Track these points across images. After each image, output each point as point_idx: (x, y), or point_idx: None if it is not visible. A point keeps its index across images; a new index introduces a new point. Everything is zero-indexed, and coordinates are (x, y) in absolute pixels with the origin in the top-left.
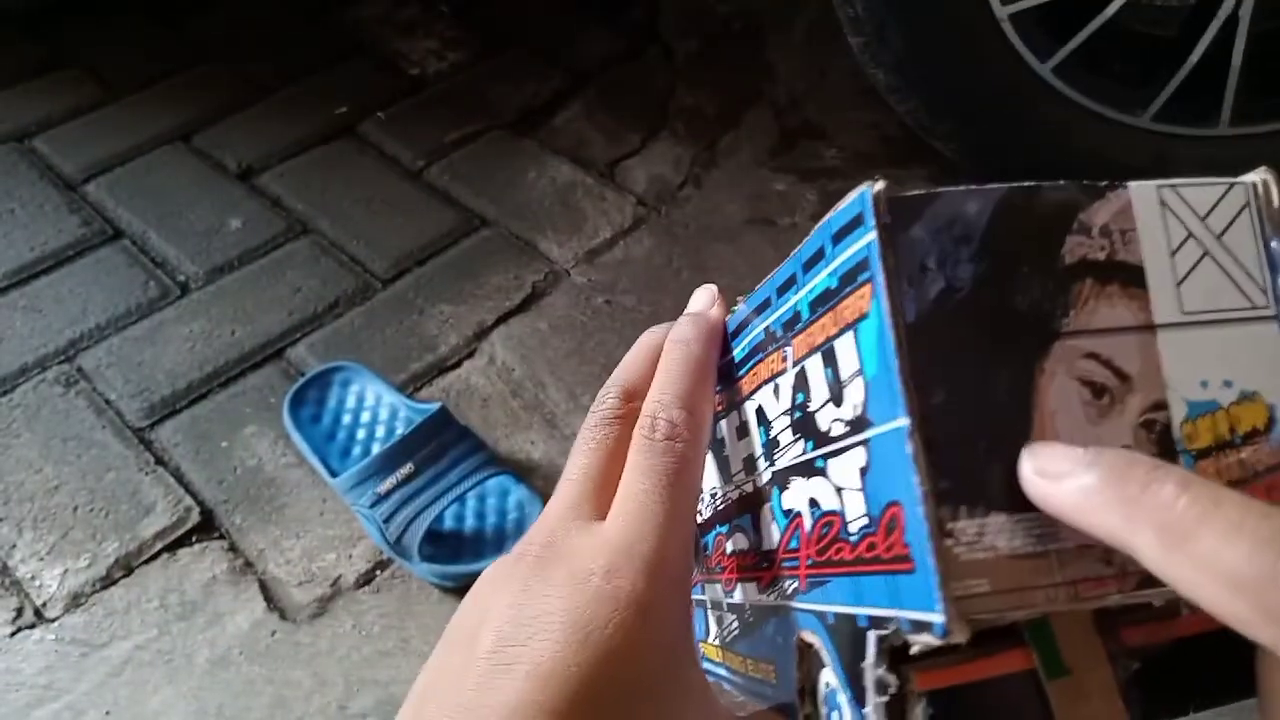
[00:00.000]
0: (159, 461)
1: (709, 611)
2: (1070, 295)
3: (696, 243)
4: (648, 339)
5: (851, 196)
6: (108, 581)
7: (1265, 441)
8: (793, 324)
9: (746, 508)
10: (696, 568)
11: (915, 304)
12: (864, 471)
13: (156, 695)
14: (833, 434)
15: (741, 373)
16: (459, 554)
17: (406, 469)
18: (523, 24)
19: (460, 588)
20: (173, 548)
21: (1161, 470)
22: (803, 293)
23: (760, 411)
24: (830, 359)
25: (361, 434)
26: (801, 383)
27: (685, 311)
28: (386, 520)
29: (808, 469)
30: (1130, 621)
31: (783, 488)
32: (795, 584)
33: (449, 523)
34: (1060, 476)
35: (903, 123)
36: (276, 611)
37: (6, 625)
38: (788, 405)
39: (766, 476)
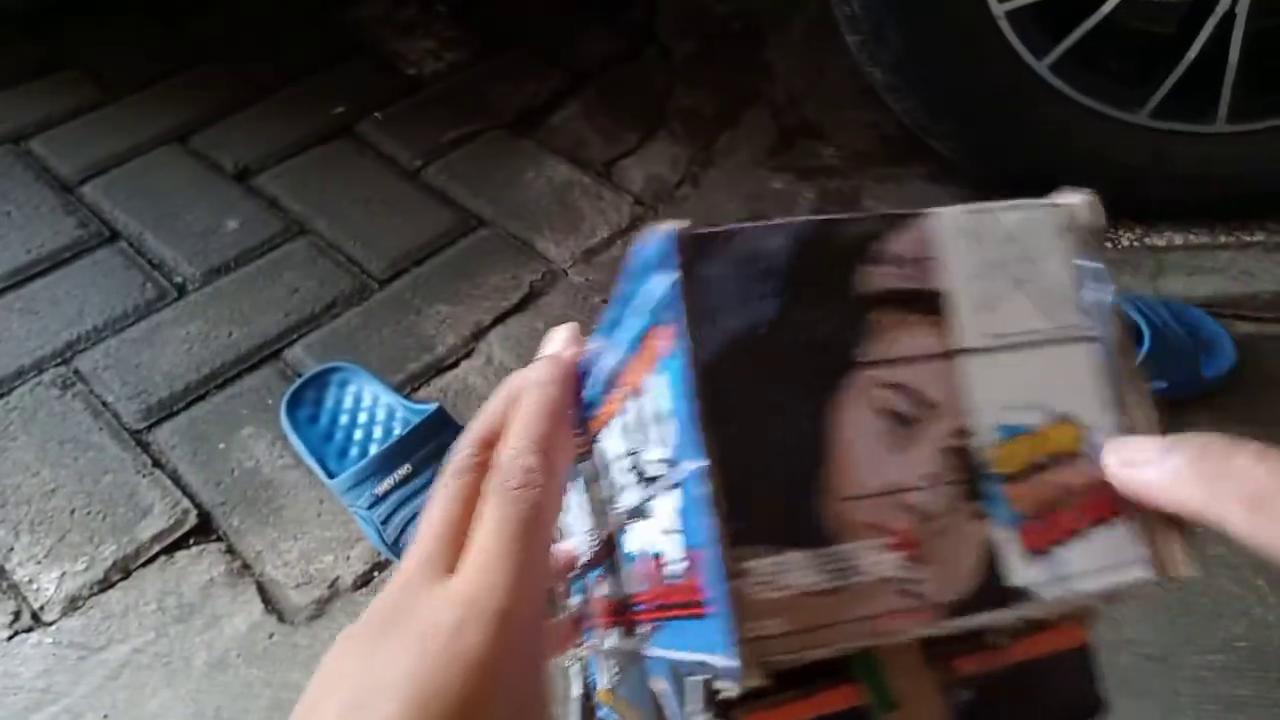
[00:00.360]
0: (156, 464)
1: (600, 657)
2: (869, 325)
3: None
4: (507, 385)
5: (656, 235)
6: (105, 584)
7: (1078, 463)
8: (624, 363)
9: (609, 552)
10: (582, 612)
11: (714, 342)
12: (680, 513)
13: (155, 698)
14: (654, 475)
15: (593, 413)
16: None
17: (404, 470)
18: (521, 24)
19: None
20: (170, 550)
21: (1238, 445)
22: (627, 332)
23: (610, 453)
24: (648, 398)
25: (359, 435)
26: (632, 423)
27: (541, 353)
28: (384, 521)
29: (641, 512)
30: (963, 651)
31: (627, 531)
32: (647, 629)
33: None
34: (1145, 464)
35: (901, 121)
36: (274, 614)
37: (4, 629)
38: (625, 447)
39: (617, 520)
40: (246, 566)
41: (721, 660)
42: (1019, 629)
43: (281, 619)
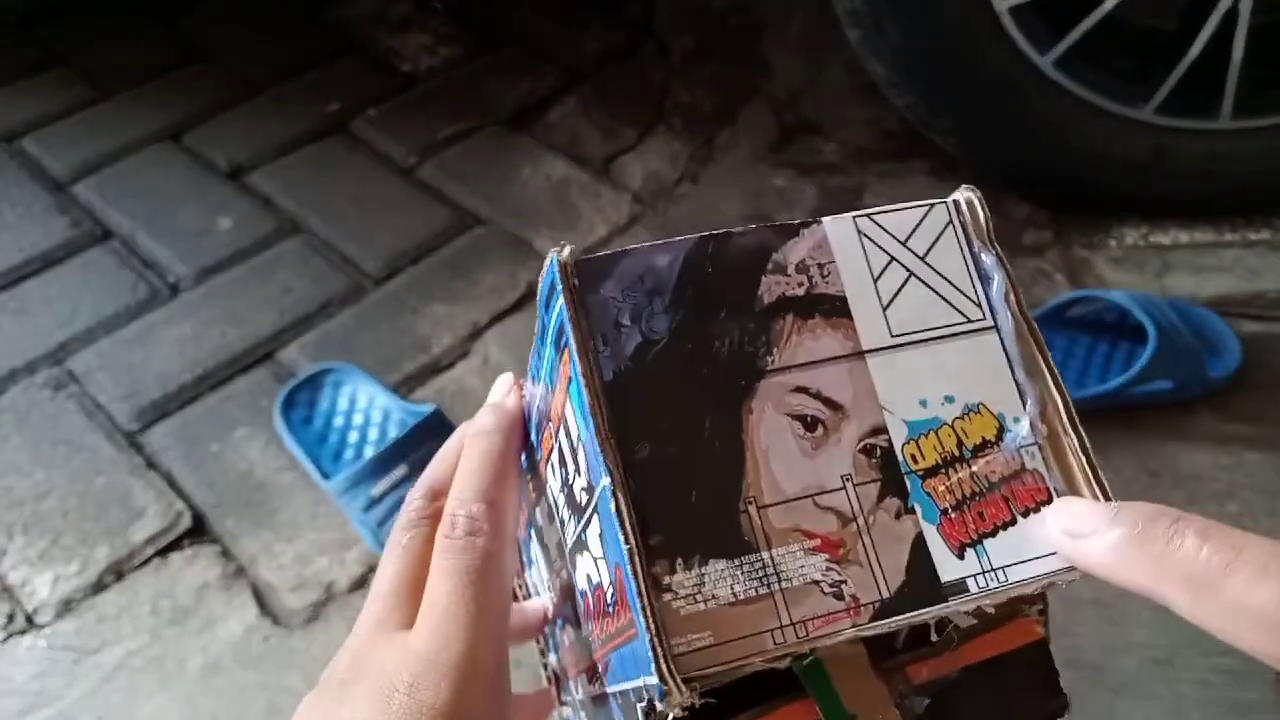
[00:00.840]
0: (150, 465)
1: (578, 710)
2: (771, 333)
3: None
4: (456, 437)
5: (545, 264)
6: (99, 587)
7: (998, 451)
8: (547, 397)
9: (566, 596)
10: (558, 667)
11: (612, 361)
12: (602, 538)
13: (149, 702)
14: (582, 503)
15: (539, 455)
16: None
17: (400, 472)
18: (517, 20)
19: None
20: (164, 552)
21: (1182, 522)
22: (545, 366)
23: (551, 492)
24: (565, 427)
25: (354, 437)
26: (560, 458)
27: (486, 402)
28: (380, 524)
29: (579, 545)
30: (914, 658)
31: (573, 568)
32: (601, 668)
33: None
34: (1089, 537)
35: (902, 117)
36: (269, 617)
37: None
38: (560, 481)
39: (567, 561)
40: (241, 569)
41: (647, 679)
42: (970, 628)
43: (276, 622)
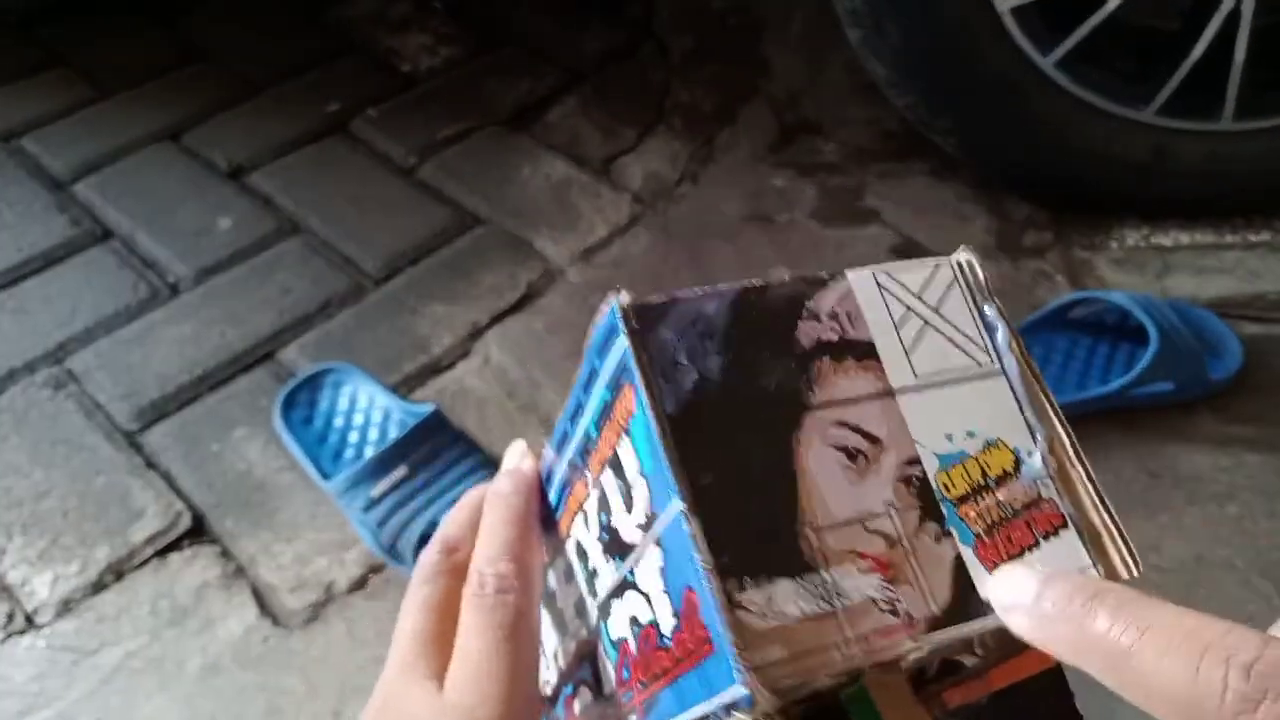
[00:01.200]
0: (149, 465)
1: None
2: (812, 373)
3: (694, 240)
4: (468, 498)
5: (603, 311)
6: (99, 587)
7: (1017, 481)
8: (587, 448)
9: (583, 657)
10: None
11: (673, 396)
12: (662, 570)
13: (148, 702)
14: (632, 540)
15: (559, 514)
16: None
17: (400, 472)
18: (516, 20)
19: None
20: (164, 553)
21: (1097, 600)
22: (588, 414)
23: (579, 546)
24: (618, 468)
25: (354, 437)
26: (603, 502)
27: (501, 469)
28: (380, 524)
29: (622, 587)
30: (948, 685)
31: (607, 618)
32: (635, 717)
33: None
34: (1017, 609)
35: (902, 118)
36: (269, 617)
37: None
38: (597, 530)
39: (594, 614)
40: (240, 570)
41: (731, 693)
42: (995, 656)
43: (276, 623)
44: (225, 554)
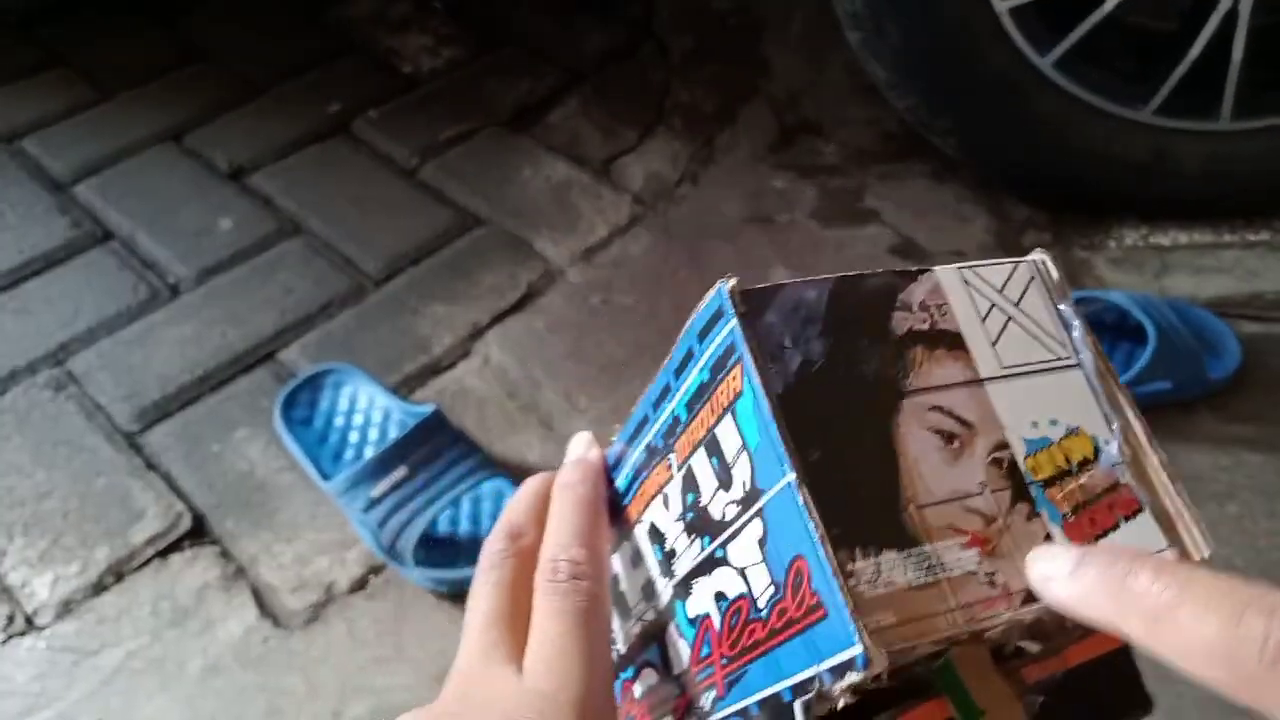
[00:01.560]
0: (150, 466)
1: None
2: (907, 360)
3: (694, 241)
4: (530, 485)
5: (709, 296)
6: (99, 588)
7: (1096, 468)
8: (673, 430)
9: (650, 639)
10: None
11: (781, 377)
12: (762, 541)
13: (149, 703)
14: (727, 518)
15: (627, 501)
16: (454, 559)
17: (401, 472)
18: (517, 21)
19: (455, 593)
20: (164, 554)
21: (1138, 562)
22: (678, 397)
23: (653, 529)
24: (714, 448)
25: (354, 437)
26: (690, 483)
27: (566, 459)
28: (380, 524)
29: (709, 564)
30: (1026, 661)
31: (685, 596)
32: (713, 693)
33: (444, 527)
34: (1058, 579)
35: (902, 119)
36: (269, 618)
37: None
38: (679, 510)
39: (667, 594)
40: (241, 570)
41: (846, 654)
42: (1071, 634)
43: (277, 623)
44: (226, 555)
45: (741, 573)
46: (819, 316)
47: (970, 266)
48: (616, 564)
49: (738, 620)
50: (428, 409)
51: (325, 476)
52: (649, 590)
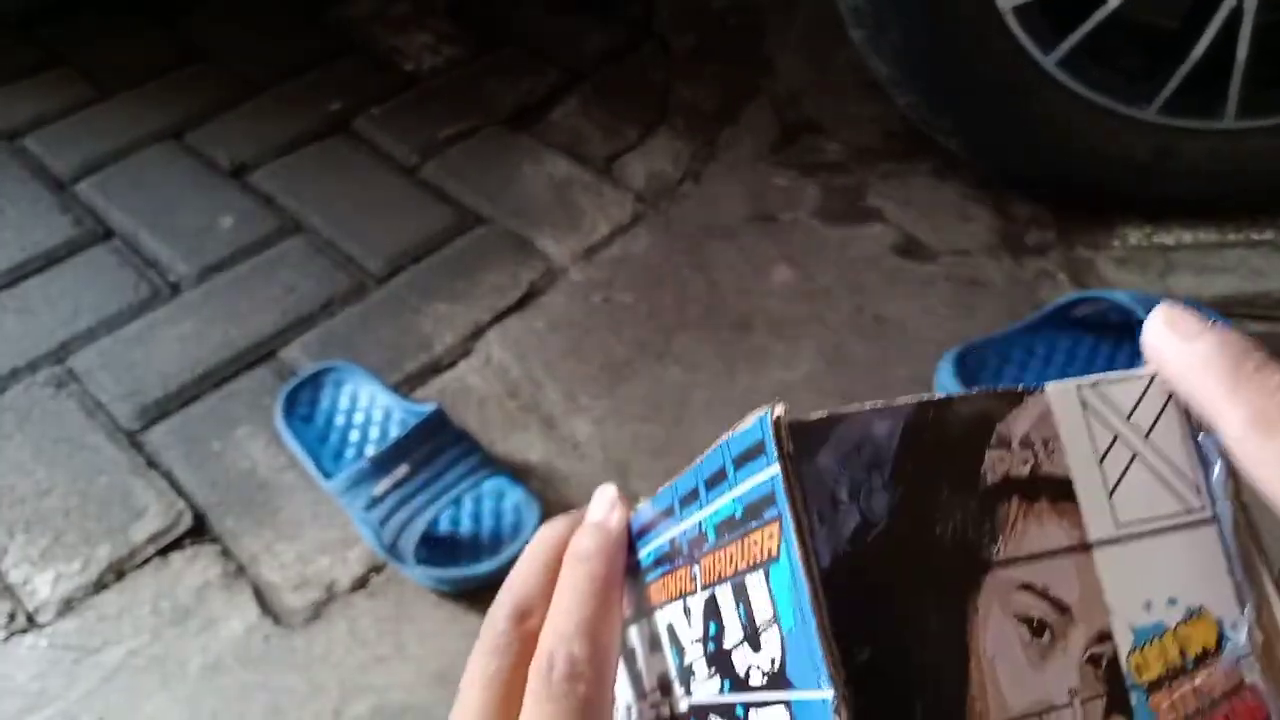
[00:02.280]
0: (151, 464)
1: None
2: (997, 518)
3: (696, 239)
4: (541, 544)
5: (751, 419)
6: (100, 586)
7: (1217, 663)
8: (699, 543)
9: None
10: None
11: (829, 544)
12: None
13: (150, 701)
14: (752, 682)
15: (650, 578)
16: (455, 557)
17: (402, 471)
18: (518, 19)
19: (457, 592)
20: (165, 552)
21: (1276, 361)
22: (706, 512)
23: (671, 630)
24: (742, 595)
25: (355, 436)
26: (713, 611)
27: (586, 519)
28: (382, 523)
29: (728, 713)
30: None
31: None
32: None
33: (445, 525)
34: (1190, 337)
35: (905, 117)
36: (270, 616)
37: None
38: (700, 634)
39: (684, 705)
40: (242, 569)
41: None
42: None
43: (278, 621)
44: (226, 553)
45: None
46: (888, 459)
47: (1093, 383)
48: (634, 637)
49: None
50: (429, 408)
51: (326, 475)
52: (666, 686)
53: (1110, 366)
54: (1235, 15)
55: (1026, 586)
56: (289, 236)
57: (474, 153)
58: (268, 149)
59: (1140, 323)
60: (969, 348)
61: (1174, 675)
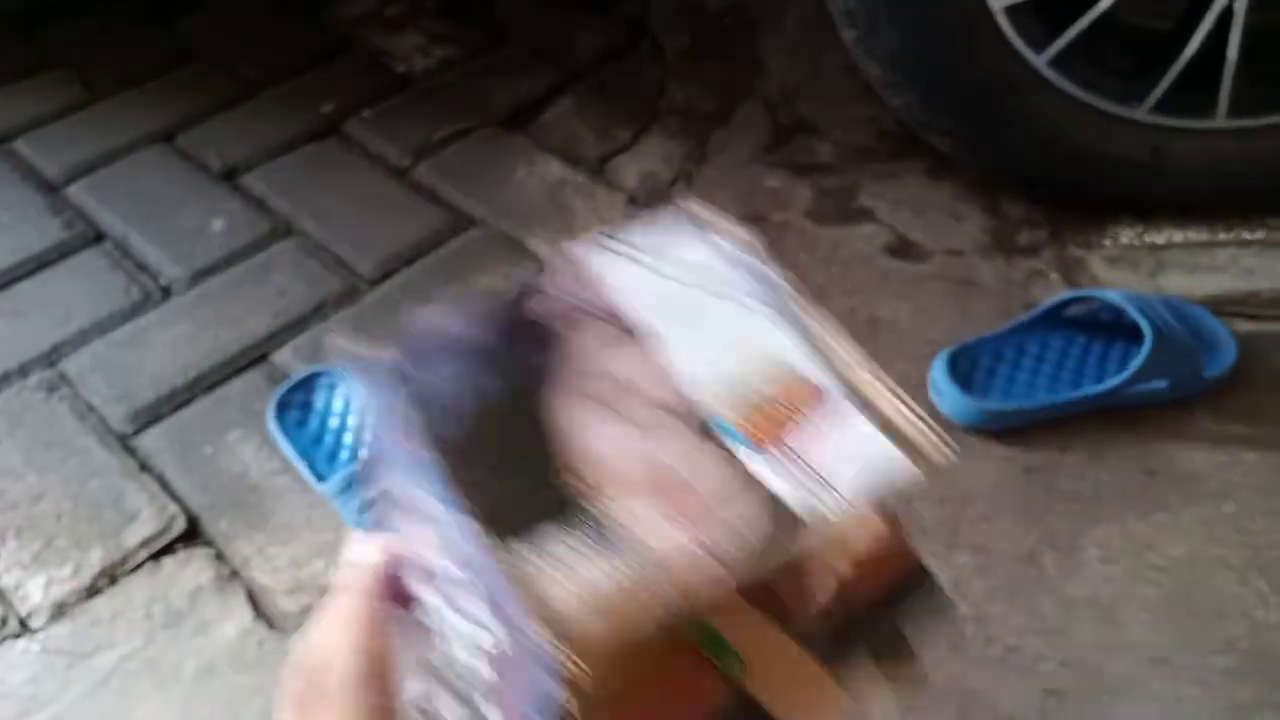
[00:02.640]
0: (143, 468)
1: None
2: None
3: None
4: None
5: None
6: (92, 590)
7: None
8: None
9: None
10: None
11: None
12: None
13: (143, 705)
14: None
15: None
16: None
17: None
18: (511, 20)
19: None
20: (158, 556)
21: None
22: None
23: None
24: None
25: (349, 439)
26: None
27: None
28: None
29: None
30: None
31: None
32: None
33: None
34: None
35: (897, 117)
36: (264, 620)
37: None
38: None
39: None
40: (235, 572)
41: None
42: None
43: (271, 625)
44: (220, 557)
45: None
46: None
47: (609, 231)
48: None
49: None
50: None
51: (320, 478)
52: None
53: (1103, 366)
54: (1226, 15)
55: (594, 374)
56: (281, 239)
57: (467, 154)
58: (260, 151)
59: (1134, 323)
60: (962, 347)
61: (764, 404)
